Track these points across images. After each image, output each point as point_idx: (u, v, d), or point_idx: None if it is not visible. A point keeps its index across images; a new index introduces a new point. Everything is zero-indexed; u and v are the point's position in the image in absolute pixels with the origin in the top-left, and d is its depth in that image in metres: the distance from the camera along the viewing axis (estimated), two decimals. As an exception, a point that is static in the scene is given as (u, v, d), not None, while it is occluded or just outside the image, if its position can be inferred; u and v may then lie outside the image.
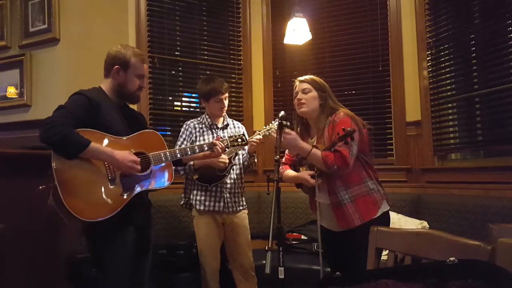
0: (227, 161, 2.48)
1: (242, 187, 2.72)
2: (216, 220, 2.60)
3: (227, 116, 2.79)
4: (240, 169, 2.69)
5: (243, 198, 2.72)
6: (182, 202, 2.70)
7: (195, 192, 2.61)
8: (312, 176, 1.99)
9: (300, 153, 2.01)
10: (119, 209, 1.77)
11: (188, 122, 2.72)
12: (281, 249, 1.52)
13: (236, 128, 2.80)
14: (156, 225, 3.02)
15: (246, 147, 2.61)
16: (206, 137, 2.64)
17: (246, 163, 2.70)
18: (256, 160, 2.71)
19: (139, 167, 1.82)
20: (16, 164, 2.49)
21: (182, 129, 2.71)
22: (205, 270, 2.59)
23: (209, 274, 2.58)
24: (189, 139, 2.65)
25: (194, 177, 2.55)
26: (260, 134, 2.52)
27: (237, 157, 2.66)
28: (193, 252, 2.85)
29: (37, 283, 2.47)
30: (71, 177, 1.72)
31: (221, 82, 2.62)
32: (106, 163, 1.80)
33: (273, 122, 2.56)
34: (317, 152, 1.91)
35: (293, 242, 3.19)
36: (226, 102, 2.66)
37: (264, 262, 1.40)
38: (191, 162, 2.50)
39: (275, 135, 1.90)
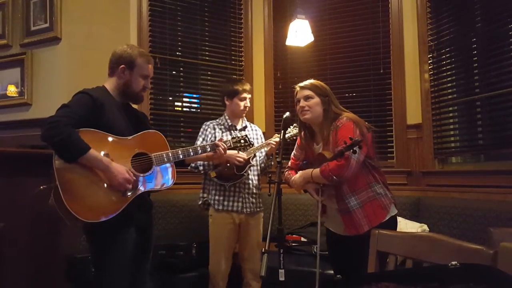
0: (245, 156, 2.53)
1: (260, 188, 2.75)
2: (233, 221, 2.62)
3: (245, 118, 2.85)
4: (258, 170, 2.73)
5: (260, 200, 2.74)
6: (200, 202, 2.72)
7: (213, 192, 2.65)
8: (317, 190, 1.97)
9: (307, 180, 2.02)
10: (120, 210, 1.76)
11: (207, 123, 2.78)
12: (281, 251, 1.51)
13: (254, 130, 2.85)
14: (169, 224, 3.15)
15: (264, 149, 2.68)
16: (224, 138, 2.64)
17: (262, 164, 2.74)
18: (272, 163, 2.76)
19: (130, 186, 1.80)
20: (15, 163, 2.49)
21: (201, 129, 2.76)
22: (215, 271, 2.60)
23: (219, 276, 2.59)
24: (207, 139, 2.68)
25: (212, 175, 2.59)
26: (279, 137, 2.53)
27: (255, 158, 2.69)
28: (192, 253, 2.84)
29: (36, 283, 2.47)
30: (72, 177, 1.71)
31: (247, 83, 2.76)
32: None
33: (291, 127, 2.60)
34: (316, 171, 1.93)
35: (293, 244, 3.18)
36: (248, 103, 2.73)
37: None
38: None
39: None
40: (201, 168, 2.60)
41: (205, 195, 2.70)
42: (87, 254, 2.37)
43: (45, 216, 2.23)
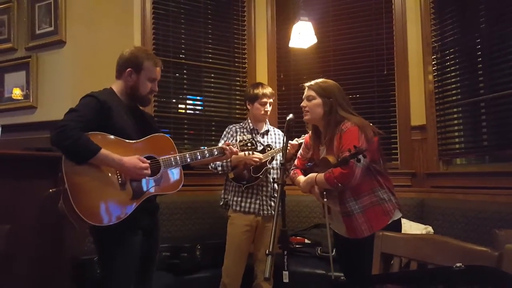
0: (261, 156, 2.56)
1: None
2: (250, 223, 2.65)
3: (268, 123, 2.88)
4: (277, 173, 2.73)
5: None
6: (221, 203, 2.77)
7: (232, 193, 2.70)
8: (322, 192, 1.96)
9: (312, 185, 2.01)
10: (129, 213, 1.77)
11: (231, 126, 2.84)
12: (285, 253, 1.51)
13: (277, 135, 2.87)
14: (173, 225, 3.19)
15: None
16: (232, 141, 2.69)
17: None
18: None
19: (149, 171, 1.82)
20: (21, 166, 2.50)
21: (224, 132, 2.83)
22: (229, 271, 2.60)
23: (232, 277, 2.59)
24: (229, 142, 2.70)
25: (230, 176, 2.65)
26: (297, 141, 2.58)
27: (274, 161, 2.71)
28: (196, 255, 2.84)
29: (42, 284, 2.48)
30: (81, 181, 1.71)
31: (268, 88, 2.78)
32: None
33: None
34: (320, 177, 1.92)
35: (297, 246, 3.17)
36: (269, 108, 2.76)
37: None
38: (229, 159, 2.54)
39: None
40: (219, 168, 2.64)
41: (226, 195, 2.76)
42: (93, 256, 2.39)
43: (51, 218, 2.24)
